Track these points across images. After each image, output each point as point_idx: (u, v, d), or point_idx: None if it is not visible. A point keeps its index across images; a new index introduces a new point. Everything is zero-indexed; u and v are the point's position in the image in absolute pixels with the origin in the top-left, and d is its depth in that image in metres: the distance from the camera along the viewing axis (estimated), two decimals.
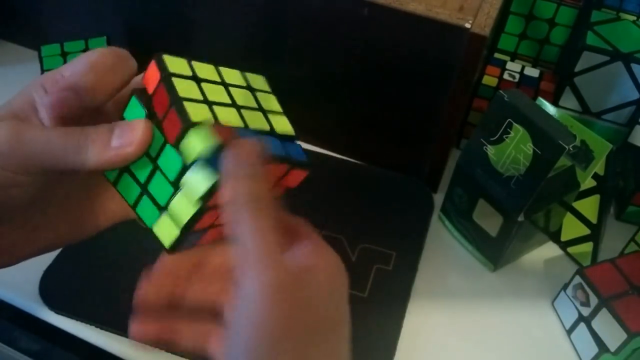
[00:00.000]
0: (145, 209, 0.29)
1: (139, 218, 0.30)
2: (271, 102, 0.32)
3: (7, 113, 0.28)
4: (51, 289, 0.52)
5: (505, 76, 0.69)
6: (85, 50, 0.65)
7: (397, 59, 0.56)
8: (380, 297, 0.54)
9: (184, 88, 0.27)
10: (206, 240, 0.31)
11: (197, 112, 0.27)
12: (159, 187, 0.28)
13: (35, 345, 0.51)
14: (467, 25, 0.51)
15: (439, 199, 0.63)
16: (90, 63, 0.28)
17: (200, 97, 0.28)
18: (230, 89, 0.30)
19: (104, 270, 0.54)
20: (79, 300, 0.52)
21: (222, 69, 0.31)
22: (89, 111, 0.28)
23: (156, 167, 0.28)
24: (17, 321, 0.52)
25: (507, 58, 0.73)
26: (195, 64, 0.29)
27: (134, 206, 0.30)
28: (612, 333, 0.48)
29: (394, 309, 0.53)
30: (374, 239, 0.58)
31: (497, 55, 0.74)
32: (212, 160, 0.26)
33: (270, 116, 0.31)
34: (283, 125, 0.31)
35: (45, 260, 0.53)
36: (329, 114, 0.65)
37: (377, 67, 0.58)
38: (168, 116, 0.27)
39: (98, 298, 0.52)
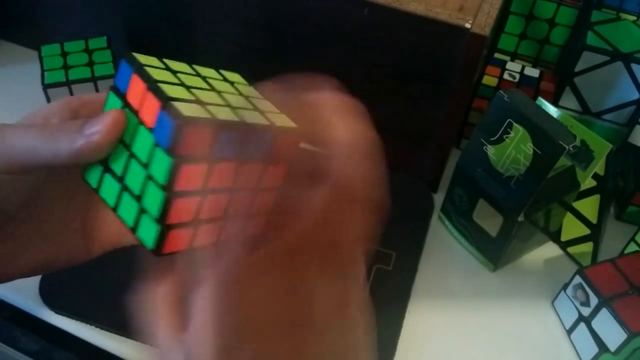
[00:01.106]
0: (126, 207, 0.28)
1: (121, 220, 0.28)
2: (252, 91, 0.32)
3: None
4: (51, 289, 0.52)
5: (505, 76, 0.69)
6: (86, 50, 0.65)
7: (397, 59, 0.56)
8: (380, 297, 0.54)
9: (159, 74, 0.27)
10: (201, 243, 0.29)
11: (174, 90, 0.26)
12: (134, 175, 0.27)
13: (35, 345, 0.51)
14: (467, 25, 0.51)
15: (439, 199, 0.63)
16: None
17: (177, 81, 0.27)
18: (208, 79, 0.29)
19: (104, 270, 0.54)
20: (79, 300, 0.52)
21: (196, 66, 0.30)
22: None
23: (132, 155, 0.27)
24: (17, 321, 0.52)
25: (507, 58, 0.73)
26: (167, 60, 0.28)
27: (115, 208, 0.28)
28: (612, 333, 0.48)
29: (394, 309, 0.53)
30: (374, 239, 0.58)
31: (497, 55, 0.74)
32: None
33: (254, 101, 0.30)
34: (269, 107, 0.31)
35: None
36: None
37: (377, 67, 0.58)
38: (145, 103, 0.26)
39: (98, 298, 0.52)
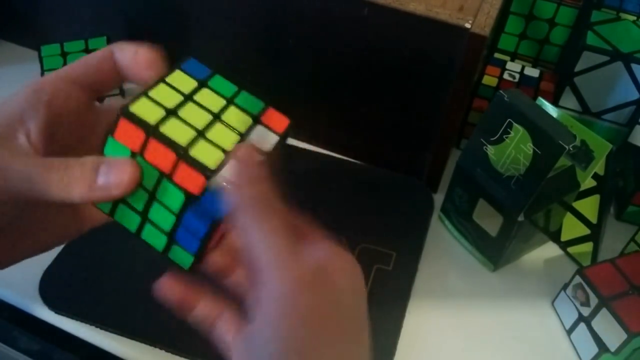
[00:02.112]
0: (151, 235, 0.30)
1: (146, 244, 0.30)
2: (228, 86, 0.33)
3: None
4: (51, 289, 0.52)
5: (505, 76, 0.69)
6: (86, 50, 0.65)
7: (397, 59, 0.56)
8: (380, 297, 0.54)
9: (175, 131, 0.28)
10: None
11: (206, 155, 0.27)
12: (160, 216, 0.29)
13: (35, 345, 0.51)
14: (467, 25, 0.51)
15: (439, 199, 0.63)
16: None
17: (194, 133, 0.28)
18: (195, 98, 0.30)
19: (104, 270, 0.54)
20: (79, 300, 0.52)
21: (169, 80, 0.30)
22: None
23: (153, 198, 0.28)
24: (17, 321, 0.52)
25: (507, 58, 0.73)
26: (151, 93, 0.29)
27: (137, 234, 0.30)
28: (612, 333, 0.48)
29: (394, 309, 0.53)
30: (374, 239, 0.58)
31: (497, 55, 0.74)
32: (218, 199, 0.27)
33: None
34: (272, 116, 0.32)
35: (45, 260, 0.53)
36: (328, 114, 0.65)
37: (377, 67, 0.58)
38: (178, 168, 0.27)
39: (98, 298, 0.52)
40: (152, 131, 0.27)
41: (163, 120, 0.28)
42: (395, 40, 0.55)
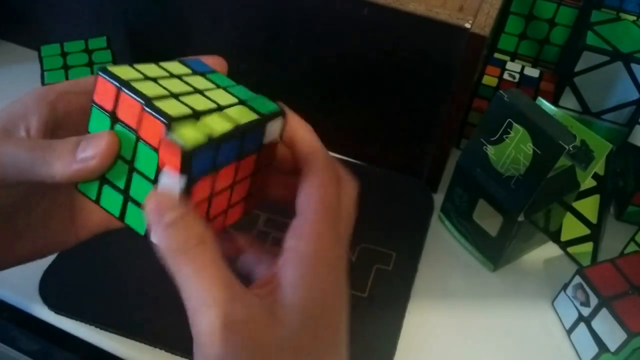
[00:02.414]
0: (133, 217, 0.29)
1: (129, 229, 0.29)
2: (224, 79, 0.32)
3: None
4: (51, 289, 0.52)
5: (505, 76, 0.69)
6: (85, 50, 0.65)
7: (397, 59, 0.56)
8: (380, 297, 0.54)
9: (143, 86, 0.27)
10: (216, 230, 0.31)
11: (169, 106, 0.26)
12: (140, 189, 0.28)
13: (35, 345, 0.51)
14: (467, 25, 0.51)
15: (439, 199, 0.63)
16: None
17: (165, 92, 0.27)
18: (183, 78, 0.30)
19: (104, 270, 0.54)
20: (79, 300, 0.52)
21: (163, 64, 0.30)
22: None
23: (133, 169, 0.28)
24: (17, 321, 0.52)
25: (507, 58, 0.73)
26: (138, 66, 0.29)
27: (121, 217, 0.29)
28: (612, 333, 0.48)
29: (394, 309, 0.53)
30: (374, 239, 0.58)
31: (497, 55, 0.74)
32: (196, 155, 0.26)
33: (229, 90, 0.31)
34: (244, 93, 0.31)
35: (45, 260, 0.53)
36: (328, 114, 0.65)
37: (377, 67, 0.58)
38: (143, 122, 0.26)
39: (98, 298, 0.52)
40: (122, 84, 0.26)
41: (138, 80, 0.27)
42: (395, 40, 0.55)
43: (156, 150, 0.26)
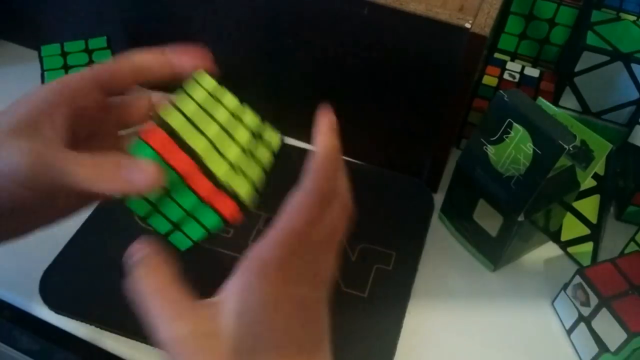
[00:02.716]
0: (176, 238, 0.33)
1: (169, 243, 0.33)
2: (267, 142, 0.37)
3: (17, 126, 0.30)
4: (51, 289, 0.52)
5: (505, 76, 0.69)
6: (86, 50, 0.65)
7: (397, 59, 0.56)
8: (380, 297, 0.54)
9: (194, 139, 0.30)
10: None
11: (217, 164, 0.30)
12: (171, 210, 0.32)
13: (35, 345, 0.51)
14: (467, 25, 0.51)
15: (439, 199, 0.63)
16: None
17: (209, 145, 0.31)
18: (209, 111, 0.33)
19: (104, 270, 0.54)
20: (79, 300, 0.52)
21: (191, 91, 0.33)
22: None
23: (187, 213, 0.31)
24: (17, 321, 0.52)
25: (507, 58, 0.73)
26: (181, 104, 0.32)
27: (165, 236, 0.33)
28: (612, 333, 0.48)
29: (394, 309, 0.53)
30: (374, 239, 0.58)
31: (497, 55, 0.74)
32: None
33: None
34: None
35: (45, 260, 0.53)
36: None
37: (377, 67, 0.58)
38: (193, 176, 0.30)
39: (98, 298, 0.52)
40: (174, 136, 0.30)
41: (185, 128, 0.30)
42: (395, 40, 0.55)
43: (204, 200, 0.30)
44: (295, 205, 0.30)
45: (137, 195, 0.30)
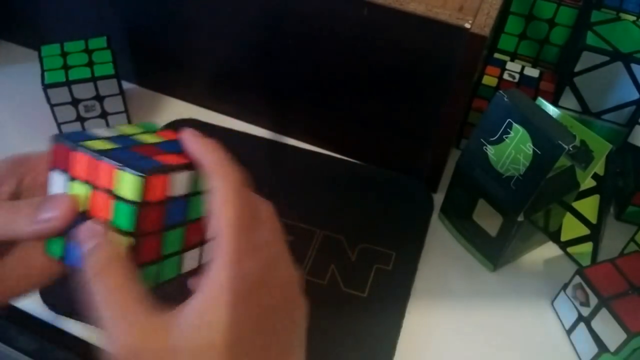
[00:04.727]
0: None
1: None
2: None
3: None
4: (51, 289, 0.52)
5: (505, 76, 0.69)
6: (86, 50, 0.65)
7: (397, 59, 0.56)
8: (380, 297, 0.54)
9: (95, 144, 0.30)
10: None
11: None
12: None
13: (34, 345, 0.51)
14: (467, 25, 0.51)
15: (439, 199, 0.63)
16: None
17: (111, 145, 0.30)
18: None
19: None
20: (77, 299, 0.52)
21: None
22: None
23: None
24: (16, 321, 0.52)
25: (507, 58, 0.73)
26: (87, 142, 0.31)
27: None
28: (612, 333, 0.48)
29: (394, 309, 0.53)
30: (374, 239, 0.58)
31: (497, 55, 0.74)
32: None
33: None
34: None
35: None
36: (328, 114, 0.65)
37: (377, 67, 0.58)
38: (99, 172, 0.29)
39: None
40: (74, 146, 0.29)
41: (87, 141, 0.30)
42: (395, 40, 0.55)
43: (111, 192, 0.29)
44: (227, 230, 0.29)
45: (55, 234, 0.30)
